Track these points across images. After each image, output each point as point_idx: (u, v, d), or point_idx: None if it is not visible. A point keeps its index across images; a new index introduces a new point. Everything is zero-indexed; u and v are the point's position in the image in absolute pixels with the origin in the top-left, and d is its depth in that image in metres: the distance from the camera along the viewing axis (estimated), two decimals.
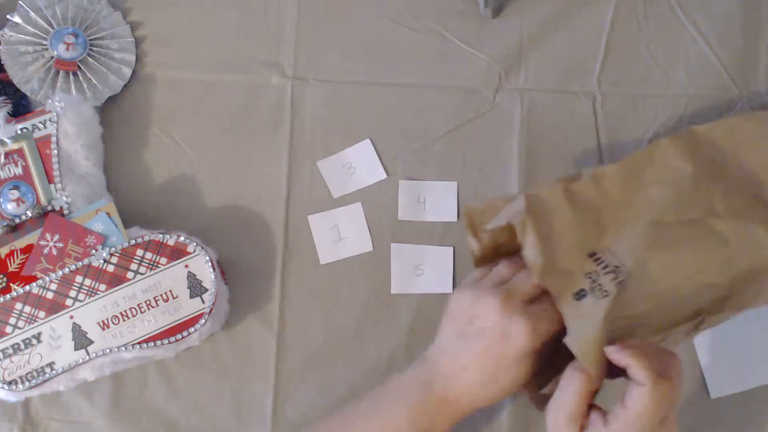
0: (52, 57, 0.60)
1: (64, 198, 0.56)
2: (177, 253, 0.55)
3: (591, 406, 0.44)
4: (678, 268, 0.51)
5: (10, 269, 0.55)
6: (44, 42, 0.61)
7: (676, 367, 0.43)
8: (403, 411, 0.47)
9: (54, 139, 0.57)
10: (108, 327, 0.54)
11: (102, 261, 0.55)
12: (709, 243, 0.51)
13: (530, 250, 0.49)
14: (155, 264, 0.55)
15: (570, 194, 0.51)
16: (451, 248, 0.60)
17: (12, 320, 0.54)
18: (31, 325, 0.54)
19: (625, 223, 0.52)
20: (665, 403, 0.41)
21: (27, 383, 0.53)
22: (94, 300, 0.54)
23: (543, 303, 0.48)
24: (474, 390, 0.47)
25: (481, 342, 0.47)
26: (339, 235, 0.61)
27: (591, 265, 0.50)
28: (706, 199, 0.52)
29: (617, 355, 0.43)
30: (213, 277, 0.55)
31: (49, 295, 0.54)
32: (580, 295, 0.48)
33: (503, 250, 0.54)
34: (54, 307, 0.54)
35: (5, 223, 0.55)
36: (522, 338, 0.46)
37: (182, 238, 0.55)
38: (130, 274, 0.55)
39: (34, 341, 0.54)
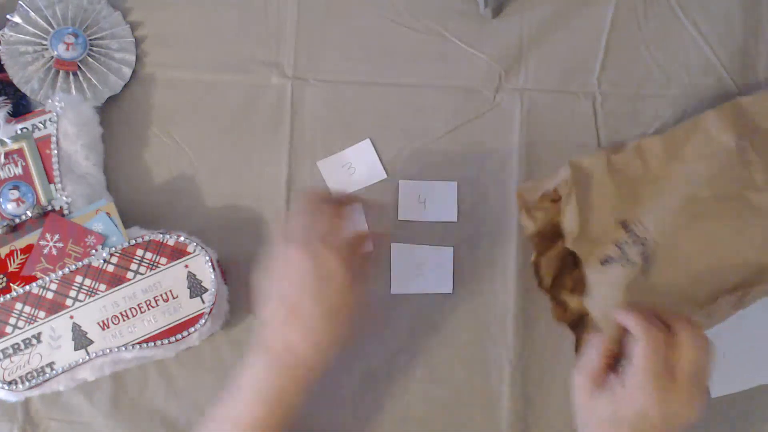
0: (52, 57, 0.60)
1: (64, 198, 0.56)
2: (177, 253, 0.55)
3: (611, 369, 0.47)
4: (712, 244, 0.52)
5: (10, 269, 0.55)
6: (44, 42, 0.61)
7: (683, 326, 0.45)
8: (249, 390, 0.47)
9: (54, 139, 0.57)
10: (108, 327, 0.54)
11: (102, 261, 0.55)
12: (747, 217, 0.53)
13: (568, 218, 0.51)
14: (155, 264, 0.55)
15: (611, 164, 0.53)
16: (451, 248, 0.60)
17: (12, 320, 0.54)
18: (31, 325, 0.54)
19: (661, 195, 0.53)
20: (660, 352, 0.43)
21: (27, 383, 0.53)
22: (94, 300, 0.54)
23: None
24: (306, 337, 0.47)
25: (296, 282, 0.47)
26: None
27: (621, 233, 0.52)
28: (746, 172, 0.53)
29: (620, 316, 0.46)
30: (213, 277, 0.55)
31: (49, 295, 0.54)
32: (606, 261, 0.51)
33: (558, 228, 0.55)
34: (54, 307, 0.54)
35: (5, 223, 0.55)
36: (330, 263, 0.46)
37: (182, 238, 0.55)
38: (130, 274, 0.55)
39: (34, 341, 0.54)
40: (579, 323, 0.52)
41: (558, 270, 0.57)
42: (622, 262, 0.51)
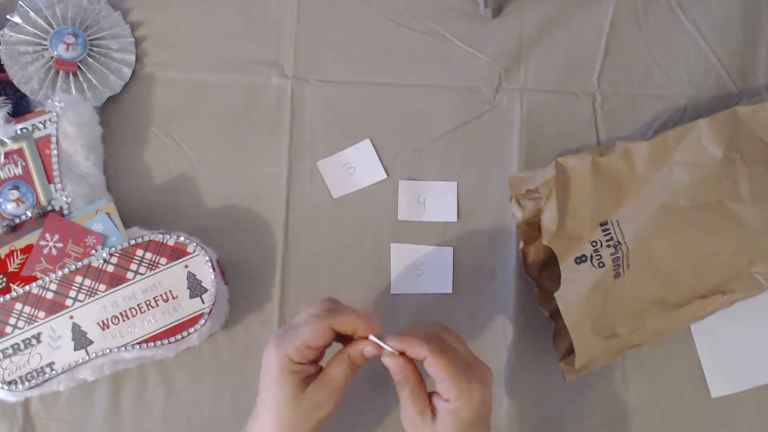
0: (52, 57, 0.60)
1: (64, 198, 0.56)
2: (177, 253, 0.55)
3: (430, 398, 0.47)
4: (687, 249, 0.54)
5: (10, 269, 0.55)
6: (44, 42, 0.61)
7: (434, 325, 0.49)
8: None
9: (54, 139, 0.57)
10: (108, 327, 0.54)
11: (102, 261, 0.55)
12: (723, 225, 0.54)
13: (548, 216, 0.52)
14: (155, 264, 0.55)
15: (596, 166, 0.54)
16: (451, 248, 0.60)
17: (12, 320, 0.54)
18: (31, 325, 0.54)
19: (640, 200, 0.54)
20: (444, 351, 0.45)
21: (27, 383, 0.53)
22: (94, 300, 0.54)
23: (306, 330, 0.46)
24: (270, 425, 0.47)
25: (260, 383, 0.48)
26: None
27: (599, 234, 0.53)
28: (730, 183, 0.54)
29: (395, 350, 0.46)
30: (213, 277, 0.55)
31: (49, 296, 0.54)
32: (580, 259, 0.53)
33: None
34: (54, 307, 0.54)
35: (5, 223, 0.55)
36: (268, 356, 0.47)
37: (182, 238, 0.55)
38: (129, 274, 0.55)
39: (34, 341, 0.54)
40: (559, 313, 0.53)
41: (545, 259, 0.57)
42: (594, 263, 0.52)
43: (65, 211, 0.56)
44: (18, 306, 0.54)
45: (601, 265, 0.52)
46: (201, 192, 0.61)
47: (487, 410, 0.47)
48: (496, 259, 0.60)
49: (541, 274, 0.58)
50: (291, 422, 0.45)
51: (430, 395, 0.47)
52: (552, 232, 0.52)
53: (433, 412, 0.46)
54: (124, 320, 0.54)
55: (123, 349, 0.54)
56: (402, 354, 0.46)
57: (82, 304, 0.54)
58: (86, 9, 0.62)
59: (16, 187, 0.56)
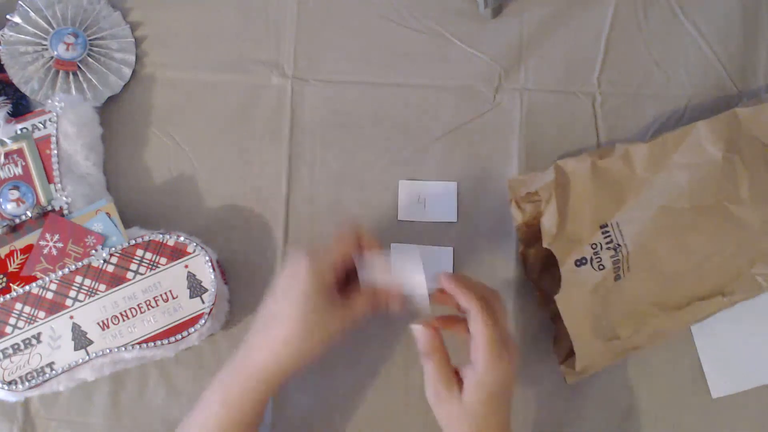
0: (52, 57, 0.60)
1: (64, 198, 0.56)
2: (177, 253, 0.55)
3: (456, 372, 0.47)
4: (687, 251, 0.54)
5: (10, 269, 0.55)
6: (44, 42, 0.61)
7: (490, 294, 0.47)
8: (216, 395, 0.49)
9: (54, 139, 0.57)
10: (108, 327, 0.54)
11: (102, 261, 0.55)
12: (723, 226, 0.54)
13: (547, 219, 0.52)
14: (155, 264, 0.55)
15: (596, 169, 0.54)
16: (451, 248, 0.60)
17: (12, 320, 0.54)
18: (31, 325, 0.54)
19: (640, 203, 0.54)
20: (497, 323, 0.45)
21: (27, 383, 0.53)
22: (94, 300, 0.54)
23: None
24: (274, 345, 0.47)
25: (273, 296, 0.48)
26: None
27: (599, 236, 0.53)
28: (729, 185, 0.54)
29: (455, 292, 0.46)
30: (213, 277, 0.55)
31: (49, 296, 0.54)
32: (580, 262, 0.53)
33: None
34: (54, 307, 0.54)
35: (5, 223, 0.55)
36: (303, 270, 0.47)
37: (182, 238, 0.55)
38: (130, 275, 0.55)
39: (34, 341, 0.54)
40: (559, 315, 0.53)
41: (545, 261, 0.57)
42: (594, 265, 0.52)
43: (65, 211, 0.56)
44: (18, 306, 0.54)
45: (601, 267, 0.52)
46: (201, 192, 0.61)
47: (511, 387, 0.47)
48: (496, 259, 0.60)
49: (541, 277, 0.58)
50: (312, 322, 0.46)
51: (455, 369, 0.47)
52: (552, 235, 0.52)
53: (459, 384, 0.46)
54: (124, 320, 0.54)
55: (123, 349, 0.54)
56: (435, 321, 0.48)
57: (82, 304, 0.54)
58: (86, 9, 0.62)
59: (16, 187, 0.56)
